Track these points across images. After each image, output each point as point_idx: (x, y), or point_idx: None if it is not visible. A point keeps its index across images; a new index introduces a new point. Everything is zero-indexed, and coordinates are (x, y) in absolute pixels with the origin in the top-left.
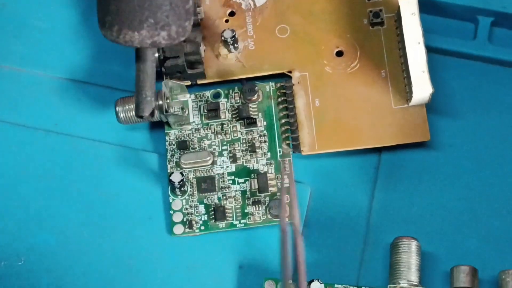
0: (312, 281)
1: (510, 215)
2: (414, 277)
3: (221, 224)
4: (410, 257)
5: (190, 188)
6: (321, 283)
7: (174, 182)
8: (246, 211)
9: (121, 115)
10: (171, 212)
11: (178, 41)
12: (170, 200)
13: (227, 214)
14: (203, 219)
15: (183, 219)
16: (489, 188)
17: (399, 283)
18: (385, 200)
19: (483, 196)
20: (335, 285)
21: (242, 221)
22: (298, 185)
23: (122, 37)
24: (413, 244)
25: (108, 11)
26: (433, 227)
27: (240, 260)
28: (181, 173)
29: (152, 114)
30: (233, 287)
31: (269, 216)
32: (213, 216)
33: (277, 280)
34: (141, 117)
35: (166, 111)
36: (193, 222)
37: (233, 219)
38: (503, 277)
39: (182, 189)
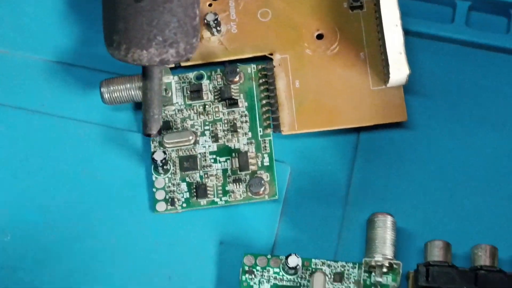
0: (290, 255)
1: (483, 193)
2: (388, 251)
3: (203, 202)
4: (385, 232)
5: (173, 166)
6: (298, 257)
7: (156, 160)
8: (227, 188)
9: (106, 96)
10: (154, 190)
11: (185, 58)
12: (153, 178)
13: (208, 192)
14: (185, 196)
15: (165, 196)
16: (463, 167)
17: (374, 257)
18: (363, 179)
19: (457, 175)
20: (313, 260)
21: (223, 198)
22: (278, 164)
23: (130, 56)
24: (389, 220)
25: (115, 30)
26: (409, 204)
27: (221, 236)
28: (164, 152)
29: (159, 132)
30: (214, 263)
31: (249, 194)
32: (194, 194)
33: (256, 255)
34: (149, 135)
35: None
36: (175, 200)
37: (214, 197)
38: (475, 251)
39: (164, 167)
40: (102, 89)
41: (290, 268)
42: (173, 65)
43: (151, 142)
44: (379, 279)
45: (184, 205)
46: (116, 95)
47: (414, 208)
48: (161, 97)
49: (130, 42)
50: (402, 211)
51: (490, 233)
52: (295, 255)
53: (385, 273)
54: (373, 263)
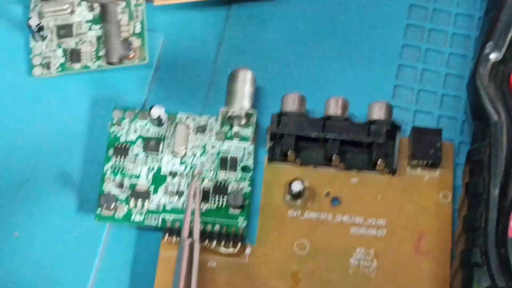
0: (153, 106)
1: (338, 55)
2: (246, 103)
3: (77, 66)
4: (244, 85)
5: (50, 34)
6: (161, 108)
7: (31, 26)
8: (99, 54)
9: None
10: (31, 56)
11: None
12: (31, 45)
13: (82, 56)
14: (60, 61)
15: (42, 62)
16: (324, 34)
17: (231, 107)
18: (232, 45)
19: (318, 40)
20: (178, 114)
21: (96, 62)
22: (152, 33)
23: None
24: (248, 74)
25: None
26: (271, 64)
27: (94, 97)
28: (38, 18)
29: (120, 60)
30: (85, 121)
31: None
32: (69, 59)
33: (125, 109)
34: (111, 63)
35: None
36: (51, 65)
37: (87, 61)
38: (328, 102)
39: (40, 33)
40: None
41: (154, 119)
42: None
43: (30, 13)
44: (237, 130)
45: (59, 69)
46: None
47: (274, 67)
48: (119, 29)
49: None
50: (264, 69)
51: (343, 89)
52: (158, 106)
53: (245, 126)
54: (229, 113)
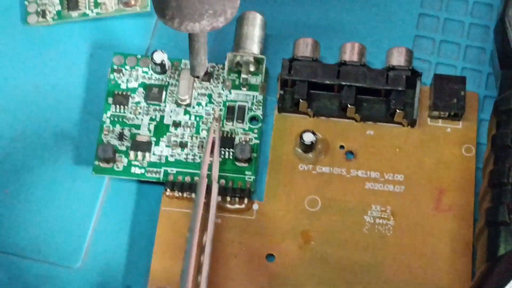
0: (156, 51)
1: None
2: (255, 48)
3: (74, 14)
4: (253, 30)
5: None
6: (164, 53)
7: None
8: (99, 1)
9: None
10: (26, 3)
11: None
12: None
13: (79, 4)
14: (56, 9)
15: (37, 9)
16: None
17: (239, 52)
18: None
19: None
20: (182, 60)
21: (94, 10)
22: None
23: (184, 27)
24: (258, 18)
25: (168, 6)
26: (285, 8)
27: (93, 49)
28: None
29: (206, 73)
30: (84, 69)
31: (120, 6)
32: (66, 6)
33: (126, 55)
34: (197, 77)
35: None
36: (47, 12)
37: (86, 9)
38: (343, 48)
39: None
40: None
41: (156, 64)
42: None
43: None
44: (245, 76)
45: (56, 17)
46: None
47: (286, 11)
48: (206, 46)
49: (183, 17)
50: (275, 14)
51: (359, 38)
52: (161, 51)
53: (254, 73)
54: (237, 59)
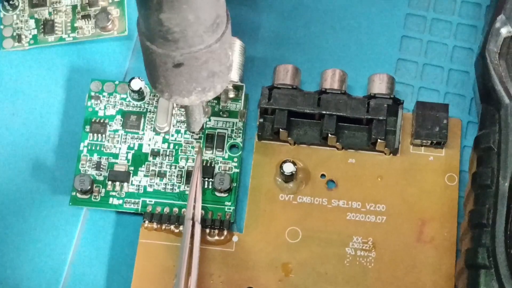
0: (133, 78)
1: (335, 23)
2: (234, 75)
3: (50, 38)
4: (233, 56)
5: (22, 3)
6: (142, 80)
7: None
8: (75, 25)
9: None
10: (1, 27)
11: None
12: (1, 15)
13: (56, 28)
14: (32, 33)
15: (13, 33)
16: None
17: None
18: None
19: (315, 7)
20: None
21: (71, 35)
22: (131, 2)
23: (173, 100)
24: (237, 44)
25: (158, 81)
26: (261, 35)
27: (69, 71)
28: None
29: (201, 129)
30: (61, 96)
31: (98, 30)
32: (42, 30)
33: (104, 81)
34: (193, 132)
35: None
36: (23, 36)
37: (62, 33)
38: (323, 75)
39: (11, 2)
40: None
41: (134, 91)
42: None
43: None
44: (224, 104)
45: (32, 41)
46: None
47: (266, 36)
48: (201, 107)
49: (171, 92)
50: (255, 39)
51: (341, 62)
52: (139, 78)
53: (234, 100)
54: None
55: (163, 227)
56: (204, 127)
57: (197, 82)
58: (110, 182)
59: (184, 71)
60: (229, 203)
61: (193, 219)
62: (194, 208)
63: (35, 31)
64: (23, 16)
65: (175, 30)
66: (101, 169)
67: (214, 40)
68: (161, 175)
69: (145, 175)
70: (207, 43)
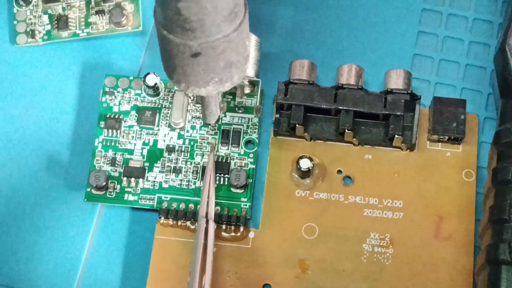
0: (148, 73)
1: (351, 19)
2: (250, 70)
3: (64, 34)
4: None
5: None
6: (157, 76)
7: None
8: (89, 20)
9: None
10: (15, 22)
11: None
12: (15, 10)
13: (70, 24)
14: (46, 29)
15: (26, 29)
16: None
17: None
18: None
19: (331, 2)
20: None
21: (85, 30)
22: None
23: (190, 91)
24: (252, 39)
25: (174, 72)
26: (281, 29)
27: (83, 67)
28: None
29: (217, 121)
30: (75, 91)
31: (112, 25)
32: (56, 26)
33: (118, 76)
34: (209, 124)
35: None
36: (36, 32)
37: (76, 29)
38: (339, 71)
39: None
40: None
41: (149, 87)
42: None
43: None
44: (240, 99)
45: (45, 37)
46: None
47: (283, 32)
48: (217, 98)
49: (188, 82)
50: (271, 35)
51: (357, 58)
52: (154, 73)
53: (249, 95)
54: None
55: (179, 223)
56: (220, 122)
57: (214, 72)
58: (125, 178)
59: (201, 61)
60: (245, 199)
61: (206, 216)
62: (207, 206)
63: (48, 27)
64: (36, 11)
65: (192, 19)
66: (116, 165)
67: (232, 29)
68: (176, 171)
69: (160, 171)
70: (224, 32)
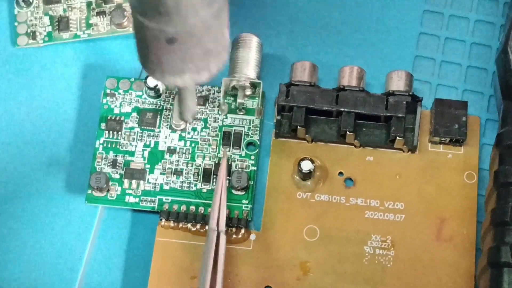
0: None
1: (352, 20)
2: (251, 72)
3: (65, 35)
4: (249, 52)
5: (36, 0)
6: None
7: None
8: (90, 22)
9: None
10: (16, 23)
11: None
12: (15, 12)
13: (71, 25)
14: (47, 30)
15: (27, 30)
16: None
17: (235, 76)
18: (237, 12)
19: (332, 4)
20: None
21: (86, 31)
22: None
23: (166, 80)
24: (254, 40)
25: (149, 60)
26: (279, 31)
27: (84, 68)
28: None
29: (194, 117)
30: (76, 93)
31: (113, 27)
32: (57, 27)
33: (119, 78)
34: (186, 121)
35: None
36: (37, 33)
37: (77, 30)
38: (341, 73)
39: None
40: None
41: (150, 88)
42: None
43: None
44: (241, 101)
45: (46, 38)
46: None
47: (284, 33)
48: (194, 93)
49: (164, 71)
50: (272, 36)
51: (358, 60)
52: None
53: (251, 97)
54: (233, 83)
55: (180, 225)
56: (221, 124)
57: (191, 60)
58: (126, 180)
59: (177, 48)
60: (247, 201)
61: (218, 228)
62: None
63: (49, 28)
64: (37, 13)
65: (167, 1)
66: (117, 167)
67: (210, 14)
68: (177, 173)
69: (161, 173)
70: (201, 16)
